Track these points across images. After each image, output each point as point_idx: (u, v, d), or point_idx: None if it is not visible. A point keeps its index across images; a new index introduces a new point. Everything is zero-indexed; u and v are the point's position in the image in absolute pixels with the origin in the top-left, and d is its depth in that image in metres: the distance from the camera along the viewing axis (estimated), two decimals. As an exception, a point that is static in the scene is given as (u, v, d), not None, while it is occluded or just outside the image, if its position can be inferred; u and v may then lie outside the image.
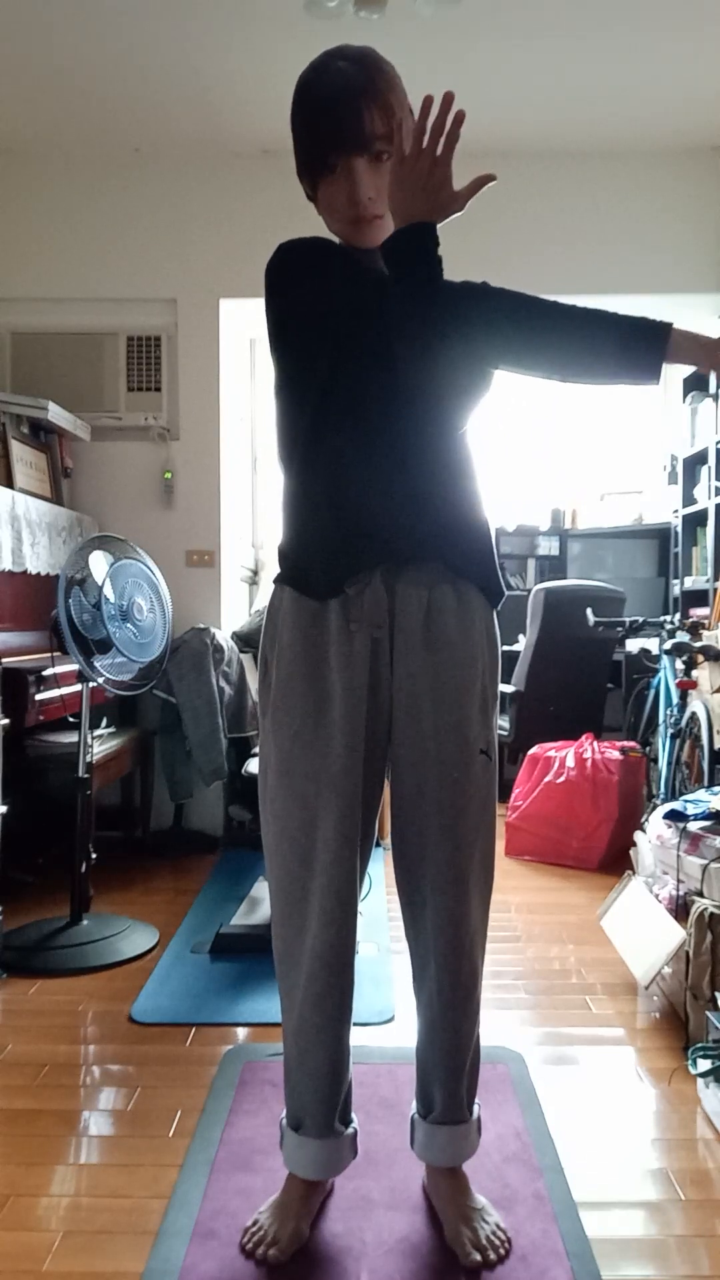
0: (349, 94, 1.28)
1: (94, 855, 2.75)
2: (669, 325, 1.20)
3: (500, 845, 3.59)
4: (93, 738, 3.02)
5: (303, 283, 1.33)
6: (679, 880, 2.28)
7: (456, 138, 1.22)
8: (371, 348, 1.30)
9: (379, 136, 1.29)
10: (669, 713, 3.42)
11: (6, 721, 2.53)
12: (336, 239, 1.41)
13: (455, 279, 1.27)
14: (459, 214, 1.26)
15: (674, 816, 2.39)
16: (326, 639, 1.36)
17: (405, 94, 1.34)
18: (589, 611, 3.84)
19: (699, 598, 4.15)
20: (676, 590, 4.43)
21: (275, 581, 1.43)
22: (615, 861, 3.43)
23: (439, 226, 1.26)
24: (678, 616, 3.95)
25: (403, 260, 1.25)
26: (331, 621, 1.35)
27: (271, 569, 1.47)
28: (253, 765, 3.06)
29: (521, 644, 4.34)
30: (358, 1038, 2.08)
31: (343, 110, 1.28)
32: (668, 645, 3.34)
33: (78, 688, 2.76)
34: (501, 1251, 1.41)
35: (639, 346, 1.20)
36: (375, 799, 1.44)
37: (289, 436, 1.38)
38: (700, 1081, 1.86)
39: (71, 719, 2.86)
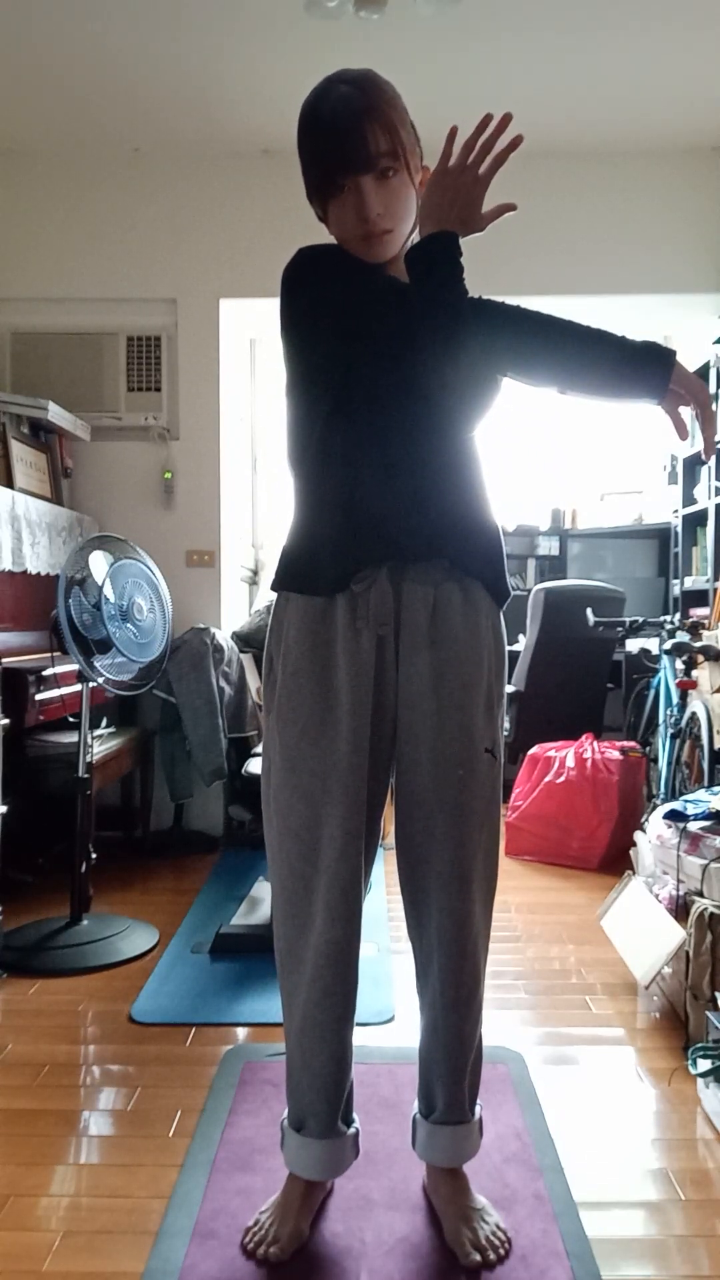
0: (352, 115, 1.30)
1: (94, 855, 2.75)
2: (674, 350, 1.30)
3: (500, 845, 3.58)
4: (93, 738, 3.02)
5: (321, 283, 1.35)
6: (679, 880, 2.28)
7: (504, 160, 1.28)
8: (386, 348, 1.32)
9: (384, 154, 1.31)
10: (669, 713, 3.42)
11: (6, 721, 2.53)
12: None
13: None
14: (477, 234, 1.32)
15: (674, 816, 2.39)
16: (333, 636, 1.36)
17: (406, 111, 1.37)
18: (589, 611, 3.84)
19: (699, 598, 4.15)
20: (676, 590, 4.43)
21: (276, 588, 1.42)
22: (615, 861, 3.43)
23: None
24: (678, 616, 3.95)
25: (432, 264, 1.29)
26: (338, 619, 1.36)
27: (272, 569, 1.46)
28: (253, 765, 3.06)
29: (522, 644, 4.34)
30: (358, 1038, 2.08)
31: (347, 132, 1.30)
32: (668, 645, 3.34)
33: (78, 688, 2.76)
34: (501, 1251, 1.41)
35: (651, 362, 1.29)
36: (380, 797, 1.45)
37: (302, 434, 1.39)
38: (700, 1081, 1.86)
39: (71, 719, 2.86)
